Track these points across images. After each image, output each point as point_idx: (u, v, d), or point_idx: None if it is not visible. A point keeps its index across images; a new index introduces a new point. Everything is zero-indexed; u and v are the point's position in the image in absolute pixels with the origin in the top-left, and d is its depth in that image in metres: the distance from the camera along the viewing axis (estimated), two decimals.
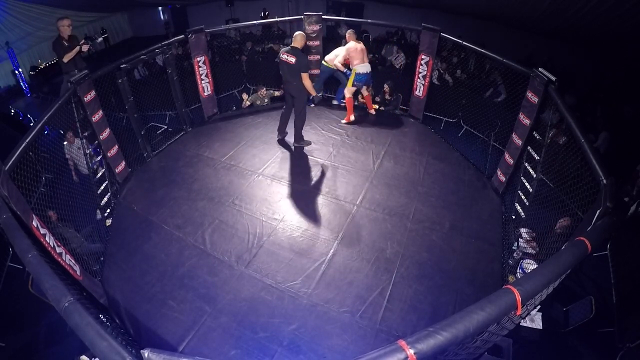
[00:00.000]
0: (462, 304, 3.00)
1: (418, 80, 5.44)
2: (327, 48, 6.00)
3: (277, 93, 6.29)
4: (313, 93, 4.67)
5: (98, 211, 3.90)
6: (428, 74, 5.29)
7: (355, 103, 6.23)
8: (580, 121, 3.06)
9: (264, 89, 6.24)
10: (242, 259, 3.45)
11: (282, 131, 5.16)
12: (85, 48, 4.51)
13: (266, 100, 6.24)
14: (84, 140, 3.77)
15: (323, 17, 5.78)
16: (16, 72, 9.04)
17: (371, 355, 1.24)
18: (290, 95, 4.72)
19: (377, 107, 6.11)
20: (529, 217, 3.67)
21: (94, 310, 2.19)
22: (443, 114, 6.17)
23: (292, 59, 4.37)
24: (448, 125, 6.18)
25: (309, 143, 5.02)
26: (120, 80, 4.31)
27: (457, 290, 3.19)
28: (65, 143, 4.25)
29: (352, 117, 5.57)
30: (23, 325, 3.41)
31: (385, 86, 6.04)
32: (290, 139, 5.13)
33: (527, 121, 3.75)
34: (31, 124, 4.58)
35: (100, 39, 4.54)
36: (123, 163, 4.43)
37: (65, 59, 4.44)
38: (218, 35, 8.66)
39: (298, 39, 4.43)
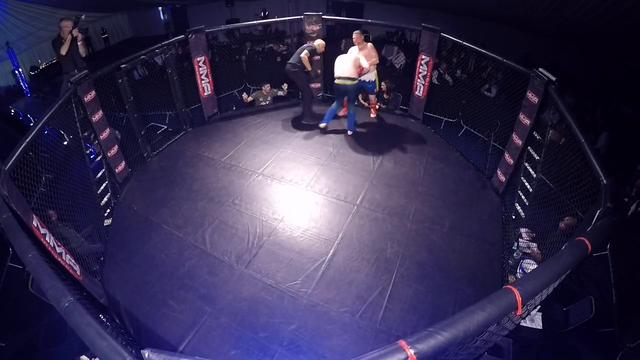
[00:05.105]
0: (462, 304, 3.00)
1: (418, 80, 5.43)
2: (327, 48, 5.96)
3: (280, 93, 6.25)
4: (309, 67, 5.27)
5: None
6: (428, 74, 5.28)
7: (355, 103, 6.23)
8: (580, 121, 3.06)
9: (268, 86, 6.14)
10: (242, 259, 3.45)
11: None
12: (75, 33, 4.42)
13: (269, 99, 6.19)
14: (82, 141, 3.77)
15: (323, 17, 5.77)
16: (16, 72, 9.02)
17: (371, 355, 1.24)
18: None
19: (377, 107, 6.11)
20: (529, 217, 3.67)
21: (94, 310, 2.19)
22: (443, 114, 6.17)
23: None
24: (448, 125, 6.18)
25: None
26: (120, 80, 4.31)
27: (457, 290, 3.18)
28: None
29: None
30: (23, 325, 3.41)
31: (383, 84, 6.01)
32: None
33: (527, 121, 3.75)
34: (31, 124, 4.56)
35: (83, 16, 4.47)
36: (123, 163, 4.43)
37: (62, 51, 4.41)
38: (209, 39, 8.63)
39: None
